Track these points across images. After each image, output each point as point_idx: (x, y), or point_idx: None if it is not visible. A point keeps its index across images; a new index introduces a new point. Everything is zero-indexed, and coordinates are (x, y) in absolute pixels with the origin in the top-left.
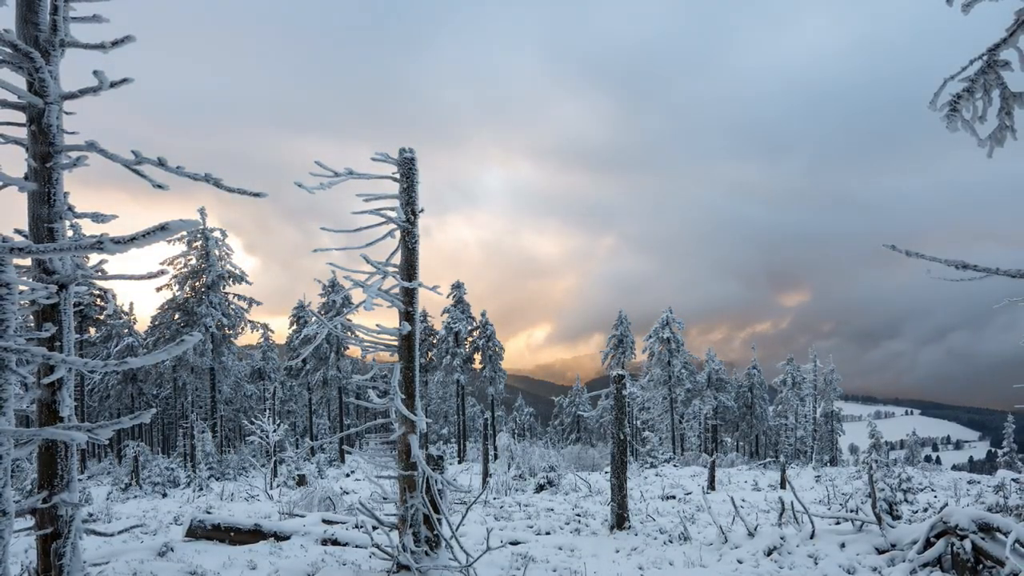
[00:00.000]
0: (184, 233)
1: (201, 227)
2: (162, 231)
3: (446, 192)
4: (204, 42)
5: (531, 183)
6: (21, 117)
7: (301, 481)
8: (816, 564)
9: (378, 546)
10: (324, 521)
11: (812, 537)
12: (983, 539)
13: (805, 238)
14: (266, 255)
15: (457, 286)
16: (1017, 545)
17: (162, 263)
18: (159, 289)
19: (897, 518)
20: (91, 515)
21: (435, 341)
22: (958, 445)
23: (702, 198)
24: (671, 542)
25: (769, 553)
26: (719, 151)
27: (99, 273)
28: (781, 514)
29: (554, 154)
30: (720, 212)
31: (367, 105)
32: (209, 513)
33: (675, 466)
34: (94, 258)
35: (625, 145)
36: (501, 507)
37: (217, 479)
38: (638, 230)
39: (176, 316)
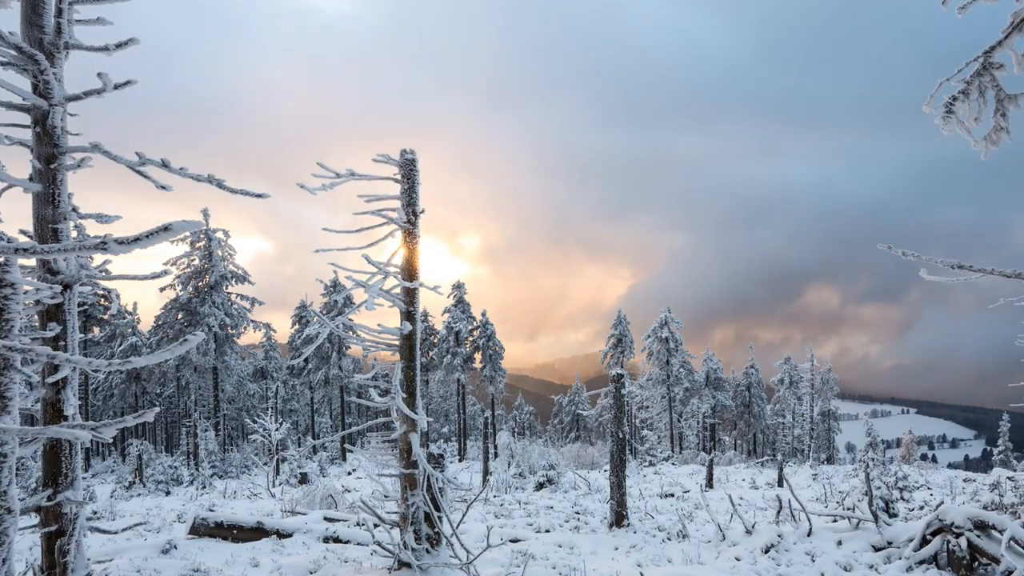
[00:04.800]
0: (187, 234)
1: (204, 228)
2: (165, 232)
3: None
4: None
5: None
6: (26, 119)
7: (303, 479)
8: (813, 561)
9: (379, 543)
10: (326, 519)
11: (809, 535)
12: (979, 537)
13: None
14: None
15: (458, 286)
16: (1012, 543)
17: (165, 263)
18: (162, 289)
19: (893, 516)
20: (95, 513)
21: (436, 340)
22: (954, 444)
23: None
24: (669, 540)
25: (767, 551)
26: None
27: (103, 273)
28: (779, 512)
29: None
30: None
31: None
32: (212, 511)
33: (673, 464)
34: (98, 258)
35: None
36: (501, 505)
37: (220, 477)
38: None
39: (179, 316)
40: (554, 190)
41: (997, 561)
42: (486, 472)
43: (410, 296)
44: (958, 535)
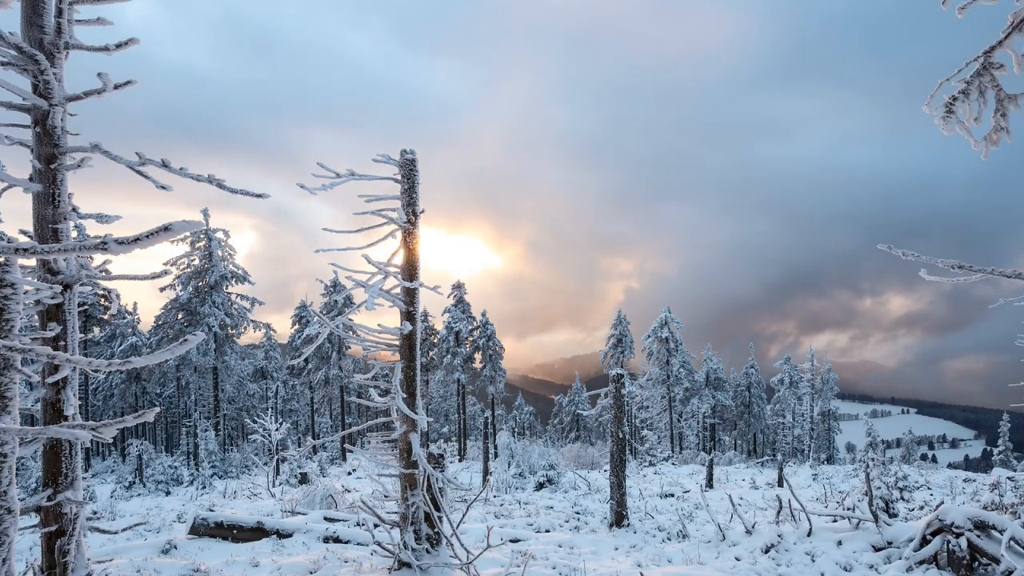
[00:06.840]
0: (187, 234)
1: (204, 228)
2: (165, 232)
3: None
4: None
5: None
6: (26, 119)
7: (303, 479)
8: (813, 561)
9: (380, 543)
10: (326, 519)
11: (809, 535)
12: (978, 537)
13: None
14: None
15: (458, 286)
16: (1012, 543)
17: (166, 263)
18: (163, 289)
19: (893, 516)
20: (95, 513)
21: (436, 340)
22: (954, 444)
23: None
24: (669, 540)
25: (767, 551)
26: None
27: (103, 273)
28: (779, 512)
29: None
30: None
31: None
32: (212, 511)
33: (673, 464)
34: (98, 258)
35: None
36: (501, 505)
37: (220, 477)
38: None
39: (179, 316)
40: (592, 176)
41: (997, 561)
42: (486, 472)
43: (410, 296)
44: (958, 535)
